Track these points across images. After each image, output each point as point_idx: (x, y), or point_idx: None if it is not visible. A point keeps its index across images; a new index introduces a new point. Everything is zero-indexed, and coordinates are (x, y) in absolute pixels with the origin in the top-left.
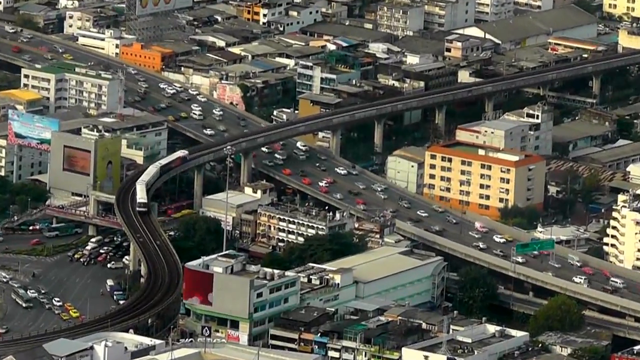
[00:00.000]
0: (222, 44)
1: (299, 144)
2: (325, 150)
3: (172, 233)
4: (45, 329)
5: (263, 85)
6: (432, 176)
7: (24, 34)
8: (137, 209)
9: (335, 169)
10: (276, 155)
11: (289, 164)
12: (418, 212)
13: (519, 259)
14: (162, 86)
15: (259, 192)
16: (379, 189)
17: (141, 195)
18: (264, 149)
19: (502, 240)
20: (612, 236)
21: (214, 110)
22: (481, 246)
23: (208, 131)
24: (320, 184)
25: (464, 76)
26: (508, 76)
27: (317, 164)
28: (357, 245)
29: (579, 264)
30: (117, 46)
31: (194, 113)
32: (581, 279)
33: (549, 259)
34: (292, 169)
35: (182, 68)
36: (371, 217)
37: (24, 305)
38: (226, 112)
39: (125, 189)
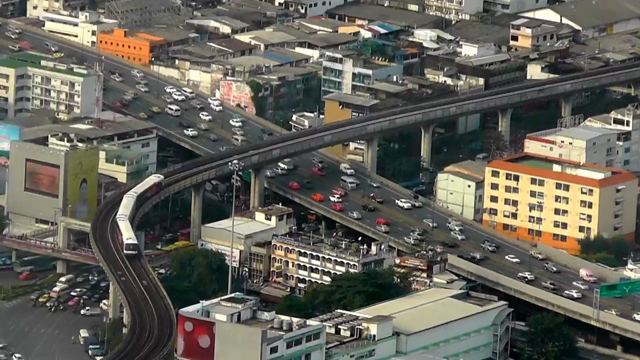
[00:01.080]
0: (227, 30)
1: (343, 166)
2: (359, 165)
3: (162, 271)
4: None
5: (279, 82)
6: (493, 199)
7: (12, 27)
8: (125, 252)
9: (397, 201)
10: (280, 164)
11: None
12: (507, 257)
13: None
14: (168, 90)
15: (273, 218)
16: (457, 228)
17: (129, 235)
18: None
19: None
20: None
21: (231, 121)
22: (528, 277)
23: (189, 131)
24: (332, 198)
25: (534, 71)
26: (590, 72)
27: (371, 194)
28: (399, 286)
29: None
30: (93, 33)
31: (169, 108)
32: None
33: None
34: (305, 182)
35: (177, 61)
36: (416, 250)
37: None
38: (247, 124)
39: (104, 215)
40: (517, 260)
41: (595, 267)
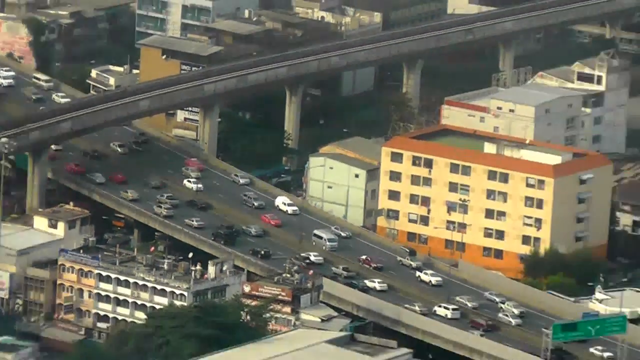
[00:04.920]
0: None
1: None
2: (193, 146)
3: None
4: None
5: (71, 21)
6: (393, 195)
7: None
8: None
9: (244, 197)
10: (89, 152)
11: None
12: (414, 283)
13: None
14: None
15: (60, 225)
16: (328, 243)
17: None
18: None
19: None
20: None
21: None
22: (449, 314)
23: None
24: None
25: (459, 3)
26: (544, 3)
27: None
28: (248, 327)
29: None
30: None
31: None
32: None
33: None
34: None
35: None
36: (276, 273)
37: None
38: (21, 82)
39: None
40: (433, 284)
41: (546, 296)
